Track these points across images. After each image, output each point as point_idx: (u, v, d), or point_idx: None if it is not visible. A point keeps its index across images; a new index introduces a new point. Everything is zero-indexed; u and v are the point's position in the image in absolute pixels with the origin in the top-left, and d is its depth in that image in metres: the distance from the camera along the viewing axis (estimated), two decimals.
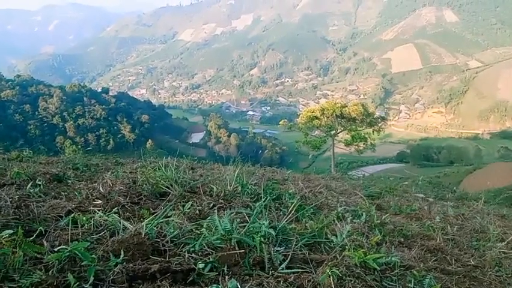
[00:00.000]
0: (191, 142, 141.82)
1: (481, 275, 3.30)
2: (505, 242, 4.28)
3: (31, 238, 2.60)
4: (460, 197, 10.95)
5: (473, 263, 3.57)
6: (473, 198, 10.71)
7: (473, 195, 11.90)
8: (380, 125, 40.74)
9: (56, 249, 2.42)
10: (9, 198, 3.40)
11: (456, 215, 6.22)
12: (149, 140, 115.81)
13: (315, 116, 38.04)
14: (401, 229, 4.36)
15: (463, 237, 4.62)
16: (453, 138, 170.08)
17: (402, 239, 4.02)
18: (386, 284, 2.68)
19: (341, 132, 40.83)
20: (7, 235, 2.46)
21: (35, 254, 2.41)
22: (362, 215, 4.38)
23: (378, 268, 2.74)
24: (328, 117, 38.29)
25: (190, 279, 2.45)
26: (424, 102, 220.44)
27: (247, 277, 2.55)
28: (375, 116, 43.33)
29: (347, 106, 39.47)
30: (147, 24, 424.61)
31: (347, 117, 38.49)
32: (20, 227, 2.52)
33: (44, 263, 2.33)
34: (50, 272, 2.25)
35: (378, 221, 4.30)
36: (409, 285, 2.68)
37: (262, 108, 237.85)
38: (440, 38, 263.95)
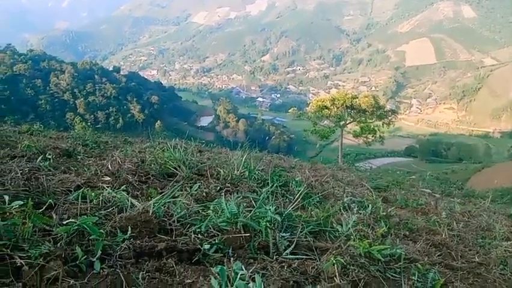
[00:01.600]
0: (199, 125, 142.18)
1: (485, 272, 3.29)
2: (511, 241, 4.26)
3: (40, 210, 2.63)
4: (467, 194, 10.91)
5: (477, 260, 3.57)
6: (480, 196, 10.67)
7: (480, 193, 11.85)
8: (390, 118, 40.43)
9: (64, 222, 2.45)
10: (20, 170, 3.44)
11: (462, 212, 6.20)
12: (158, 121, 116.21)
13: (325, 106, 37.82)
14: (407, 222, 4.36)
15: (469, 234, 4.60)
16: (463, 135, 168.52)
17: (407, 232, 4.01)
18: (389, 275, 2.69)
19: (350, 123, 40.60)
20: (17, 206, 2.49)
21: (44, 226, 2.44)
22: (368, 206, 4.37)
23: (382, 259, 2.75)
24: (338, 108, 38.06)
25: (196, 259, 2.48)
26: (436, 97, 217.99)
27: (252, 260, 2.57)
28: (385, 108, 43.00)
29: (357, 97, 39.13)
30: (161, 5, 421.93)
31: (357, 108, 38.20)
32: (30, 198, 2.56)
33: (52, 235, 2.37)
34: (59, 244, 2.28)
35: (384, 213, 4.29)
36: (413, 278, 2.68)
37: (272, 95, 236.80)
38: (456, 33, 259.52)
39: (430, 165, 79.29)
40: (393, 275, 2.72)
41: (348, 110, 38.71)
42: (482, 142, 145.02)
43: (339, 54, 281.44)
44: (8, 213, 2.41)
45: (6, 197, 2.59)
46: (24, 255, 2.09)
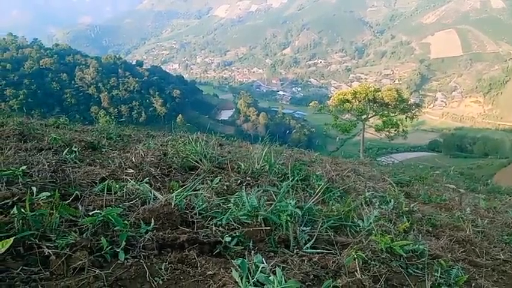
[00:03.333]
0: (220, 119, 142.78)
1: (510, 270, 3.22)
2: None
3: (67, 201, 2.71)
4: (492, 190, 10.65)
5: (503, 257, 3.49)
6: (506, 192, 10.40)
7: (506, 189, 11.54)
8: (413, 111, 39.68)
9: (90, 214, 2.52)
10: (47, 162, 3.54)
11: (487, 208, 6.07)
12: (180, 114, 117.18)
13: (347, 99, 37.39)
14: (430, 218, 4.30)
15: (494, 230, 4.50)
16: (489, 129, 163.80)
17: (430, 228, 3.96)
18: (411, 271, 2.66)
19: (372, 117, 40.07)
20: (44, 197, 2.57)
21: (71, 217, 2.52)
22: (390, 201, 4.33)
23: (404, 255, 2.73)
24: (360, 101, 37.59)
25: (217, 251, 2.51)
26: (462, 90, 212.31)
27: (272, 254, 2.59)
28: (409, 102, 42.24)
29: (380, 91, 38.55)
30: None
31: (379, 102, 37.64)
32: (56, 190, 2.63)
33: (78, 226, 2.44)
34: (84, 234, 2.35)
35: (407, 209, 4.24)
36: (435, 274, 2.64)
37: (293, 88, 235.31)
38: (483, 24, 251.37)
39: (455, 160, 77.50)
40: (416, 271, 2.69)
41: (371, 104, 38.18)
42: (509, 137, 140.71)
43: (362, 46, 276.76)
44: (36, 204, 2.49)
45: (34, 189, 2.67)
46: (51, 245, 2.16)
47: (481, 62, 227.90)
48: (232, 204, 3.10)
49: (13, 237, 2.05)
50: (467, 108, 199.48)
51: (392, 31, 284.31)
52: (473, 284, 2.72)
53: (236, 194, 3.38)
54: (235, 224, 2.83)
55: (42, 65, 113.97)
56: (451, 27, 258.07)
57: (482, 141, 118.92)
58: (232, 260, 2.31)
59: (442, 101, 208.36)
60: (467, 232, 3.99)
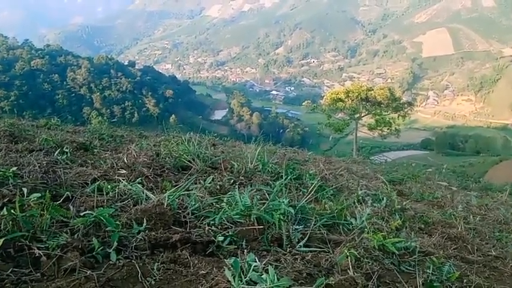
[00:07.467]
0: (213, 119, 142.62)
1: (501, 266, 3.25)
2: None
3: (58, 202, 2.68)
4: (484, 188, 10.75)
5: (494, 253, 3.52)
6: (497, 189, 10.50)
7: (498, 187, 11.66)
8: (406, 110, 39.89)
9: (81, 214, 2.50)
10: (38, 163, 3.52)
11: (479, 205, 6.12)
12: (173, 114, 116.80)
13: (340, 98, 37.49)
14: (422, 216, 4.32)
15: (485, 227, 4.54)
16: (481, 127, 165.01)
17: (422, 226, 3.99)
18: (403, 268, 2.68)
19: (365, 116, 40.21)
20: (35, 198, 2.55)
21: (62, 218, 2.50)
22: (383, 199, 4.35)
23: (396, 252, 2.74)
24: (353, 100, 37.69)
25: (210, 250, 2.51)
26: (454, 89, 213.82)
27: (265, 253, 2.59)
28: (401, 101, 42.45)
29: (373, 89, 38.70)
30: None
31: (372, 101, 37.79)
32: (47, 191, 2.61)
33: (70, 227, 2.42)
34: (76, 235, 2.33)
35: (399, 207, 4.26)
36: (427, 271, 2.66)
37: (286, 88, 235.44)
38: (474, 23, 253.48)
39: (447, 158, 78.17)
40: (408, 268, 2.71)
41: (363, 103, 38.31)
42: (501, 134, 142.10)
43: (354, 45, 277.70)
44: (26, 205, 2.47)
45: (25, 190, 2.65)
46: (42, 246, 2.14)
47: (472, 60, 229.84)
48: (225, 204, 3.10)
49: (3, 239, 2.03)
50: (459, 106, 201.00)
51: (384, 30, 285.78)
52: (464, 280, 2.74)
53: (229, 193, 3.38)
54: (228, 224, 2.83)
55: (33, 66, 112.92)
56: (443, 26, 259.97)
57: (474, 139, 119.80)
58: (225, 259, 2.30)
59: (434, 100, 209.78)
60: (459, 229, 4.02)
